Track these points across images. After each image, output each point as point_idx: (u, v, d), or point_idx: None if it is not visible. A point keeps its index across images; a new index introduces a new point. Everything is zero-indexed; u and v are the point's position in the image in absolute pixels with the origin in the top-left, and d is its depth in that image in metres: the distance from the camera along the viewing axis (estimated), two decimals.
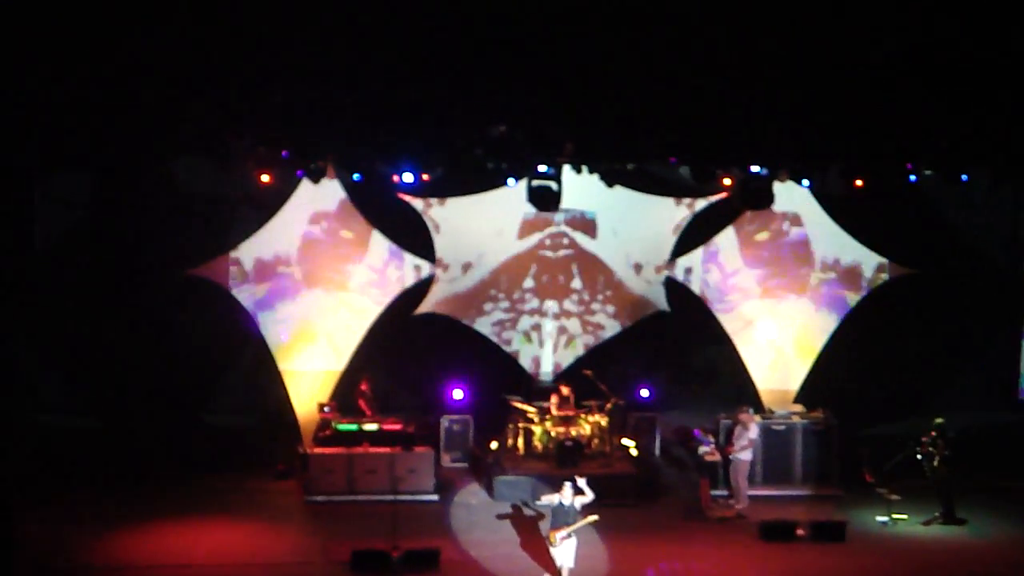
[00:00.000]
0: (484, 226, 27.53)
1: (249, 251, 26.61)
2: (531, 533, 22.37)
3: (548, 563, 19.88)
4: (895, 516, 23.44)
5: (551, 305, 28.07)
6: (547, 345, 28.25)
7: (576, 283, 28.04)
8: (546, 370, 28.18)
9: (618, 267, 28.02)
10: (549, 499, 20.04)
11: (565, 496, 19.66)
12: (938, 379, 28.07)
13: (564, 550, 19.47)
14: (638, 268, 28.05)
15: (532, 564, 20.95)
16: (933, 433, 23.59)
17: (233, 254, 26.57)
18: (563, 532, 19.42)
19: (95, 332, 26.78)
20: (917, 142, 24.08)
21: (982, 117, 23.71)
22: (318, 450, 25.15)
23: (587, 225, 27.81)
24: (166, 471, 25.56)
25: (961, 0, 22.04)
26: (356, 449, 24.90)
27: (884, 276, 27.59)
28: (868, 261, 27.62)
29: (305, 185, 25.79)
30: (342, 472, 24.69)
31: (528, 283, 27.96)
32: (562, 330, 28.19)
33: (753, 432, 24.26)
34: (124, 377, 27.03)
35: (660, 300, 28.07)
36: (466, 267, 27.76)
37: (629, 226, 27.77)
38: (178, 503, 24.04)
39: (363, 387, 26.38)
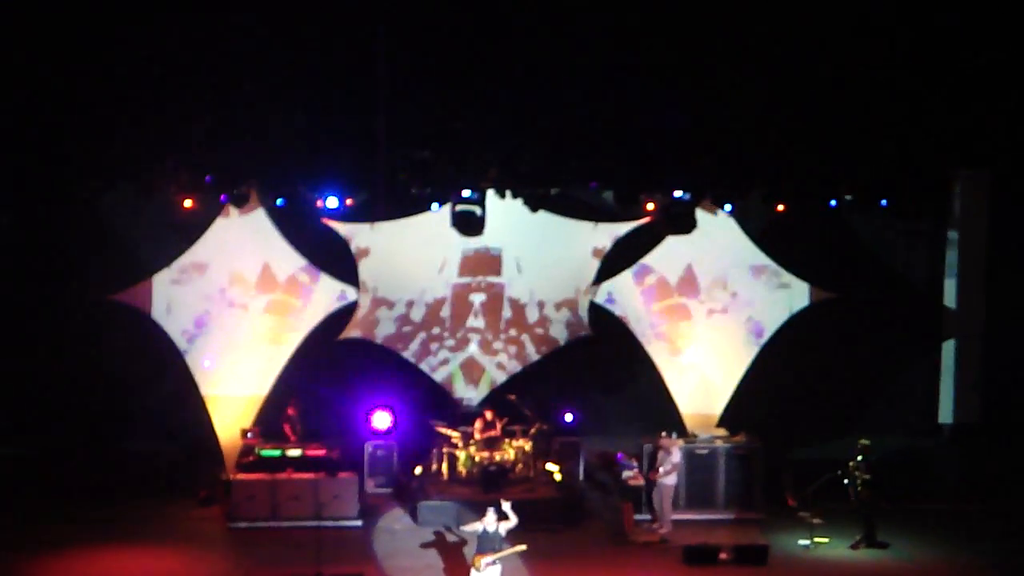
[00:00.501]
0: (408, 251, 27.43)
1: (171, 276, 26.44)
2: (455, 559, 22.32)
3: None
4: (817, 540, 23.54)
5: (475, 330, 27.99)
6: (470, 369, 28.22)
7: (502, 309, 27.98)
8: (470, 395, 28.13)
9: (541, 292, 27.97)
10: (473, 526, 20.01)
11: (489, 522, 19.62)
12: (859, 403, 28.25)
13: None
14: (561, 292, 28.03)
15: None
16: (858, 456, 23.72)
17: (155, 279, 26.40)
18: (488, 558, 19.37)
19: (15, 358, 26.46)
20: (837, 168, 24.37)
21: (901, 144, 24.05)
22: (241, 476, 24.95)
23: (508, 250, 27.81)
24: (88, 498, 25.29)
25: (879, 30, 22.36)
26: (279, 475, 24.73)
27: (806, 300, 27.81)
28: (790, 285, 27.78)
29: (228, 210, 25.76)
30: (265, 498, 24.50)
31: (451, 308, 27.88)
32: (485, 354, 28.13)
33: (676, 456, 24.33)
34: (45, 403, 26.71)
35: (584, 324, 28.09)
36: (390, 292, 27.64)
37: (553, 251, 27.75)
38: (100, 530, 23.78)
39: (290, 411, 26.24)
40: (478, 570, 19.42)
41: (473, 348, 27.98)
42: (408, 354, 27.92)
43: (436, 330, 27.89)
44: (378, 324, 27.70)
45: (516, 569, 21.02)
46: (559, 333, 28.09)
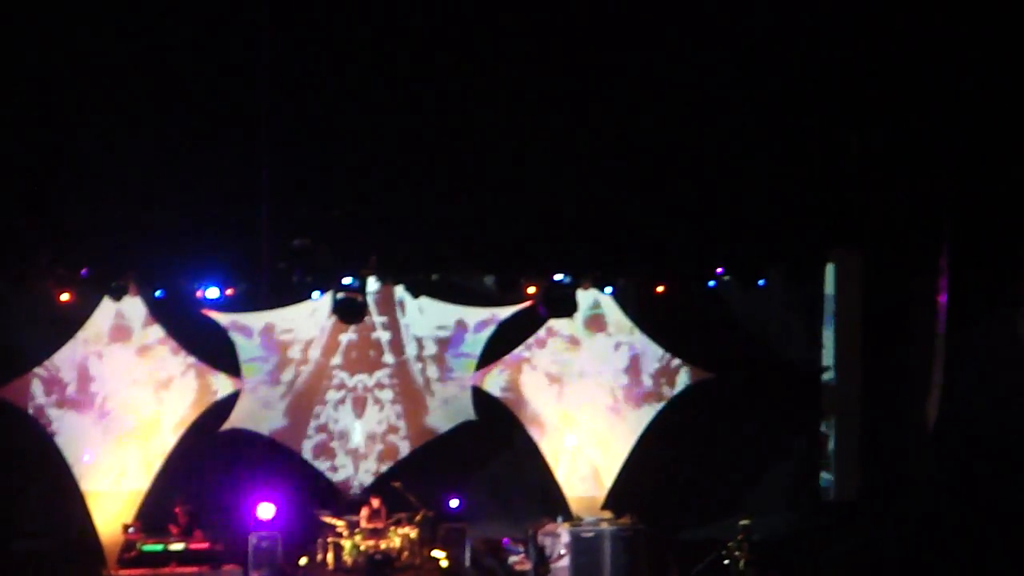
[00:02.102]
0: (292, 338, 27.36)
1: (49, 370, 26.12)
2: None
3: None
4: None
5: (358, 417, 27.88)
6: (355, 458, 28.04)
7: (384, 392, 27.89)
8: (355, 483, 27.95)
9: (423, 377, 27.97)
10: None
11: None
12: (744, 481, 28.41)
13: None
14: (444, 378, 28.03)
15: None
16: (739, 536, 23.84)
17: (32, 373, 26.07)
18: None
19: None
20: (714, 248, 24.73)
21: (776, 222, 24.45)
22: (123, 572, 24.56)
23: (394, 332, 27.78)
24: None
25: (751, 107, 22.78)
26: (163, 570, 24.38)
27: (687, 380, 28.11)
28: (670, 365, 28.08)
29: (107, 302, 25.55)
30: None
31: (334, 394, 27.77)
32: (370, 441, 28.00)
33: (564, 537, 24.41)
34: None
35: (467, 410, 28.08)
36: (273, 380, 27.48)
37: (433, 336, 27.82)
38: None
39: (176, 510, 25.87)
40: None
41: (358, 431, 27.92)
42: (290, 441, 27.71)
43: (315, 411, 27.75)
44: (260, 411, 27.47)
45: None
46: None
